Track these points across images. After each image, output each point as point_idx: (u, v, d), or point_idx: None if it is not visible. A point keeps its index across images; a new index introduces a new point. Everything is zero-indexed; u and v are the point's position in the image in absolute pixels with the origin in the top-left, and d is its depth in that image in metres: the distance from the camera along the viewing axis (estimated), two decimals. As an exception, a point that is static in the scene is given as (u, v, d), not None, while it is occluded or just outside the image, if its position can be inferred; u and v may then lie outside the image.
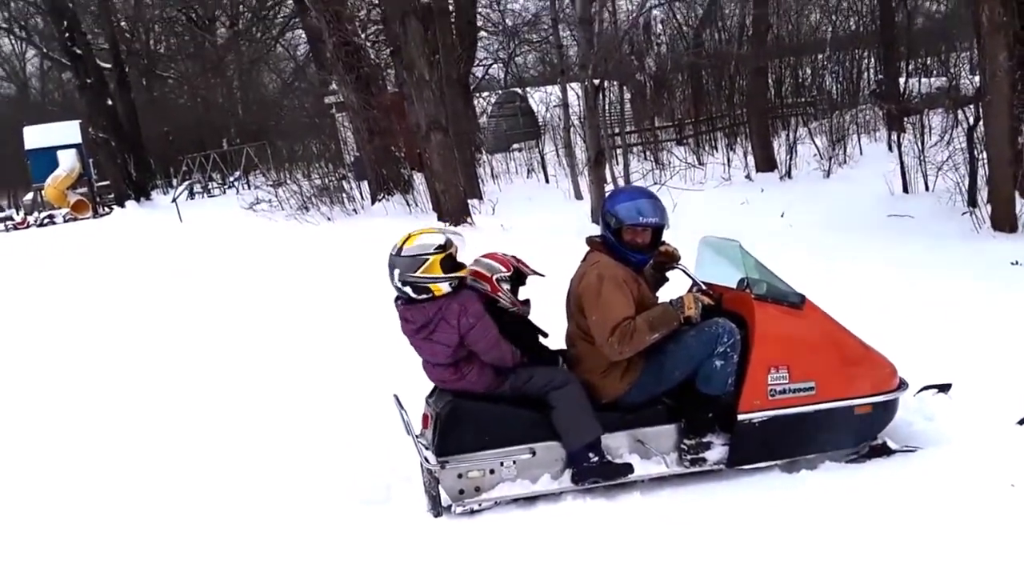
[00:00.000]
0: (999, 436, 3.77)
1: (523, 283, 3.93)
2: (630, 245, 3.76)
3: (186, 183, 25.72)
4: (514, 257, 3.93)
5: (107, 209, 25.12)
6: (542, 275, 3.92)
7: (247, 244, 13.31)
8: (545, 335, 3.95)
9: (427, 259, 3.62)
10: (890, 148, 14.15)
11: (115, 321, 8.72)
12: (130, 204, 24.27)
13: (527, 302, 3.93)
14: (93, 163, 26.26)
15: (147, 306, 9.34)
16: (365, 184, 16.45)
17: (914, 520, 3.15)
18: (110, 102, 25.00)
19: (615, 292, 3.64)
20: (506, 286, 3.84)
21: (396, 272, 3.67)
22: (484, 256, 3.92)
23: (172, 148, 29.48)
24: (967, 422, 3.92)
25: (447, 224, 11.02)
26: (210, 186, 26.87)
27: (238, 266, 11.31)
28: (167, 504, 4.05)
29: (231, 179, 26.93)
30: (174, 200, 20.94)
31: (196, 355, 6.88)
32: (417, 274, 3.62)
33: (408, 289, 3.67)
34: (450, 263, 3.65)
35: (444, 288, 3.65)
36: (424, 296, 3.66)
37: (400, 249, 3.68)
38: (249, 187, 23.82)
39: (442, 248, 3.65)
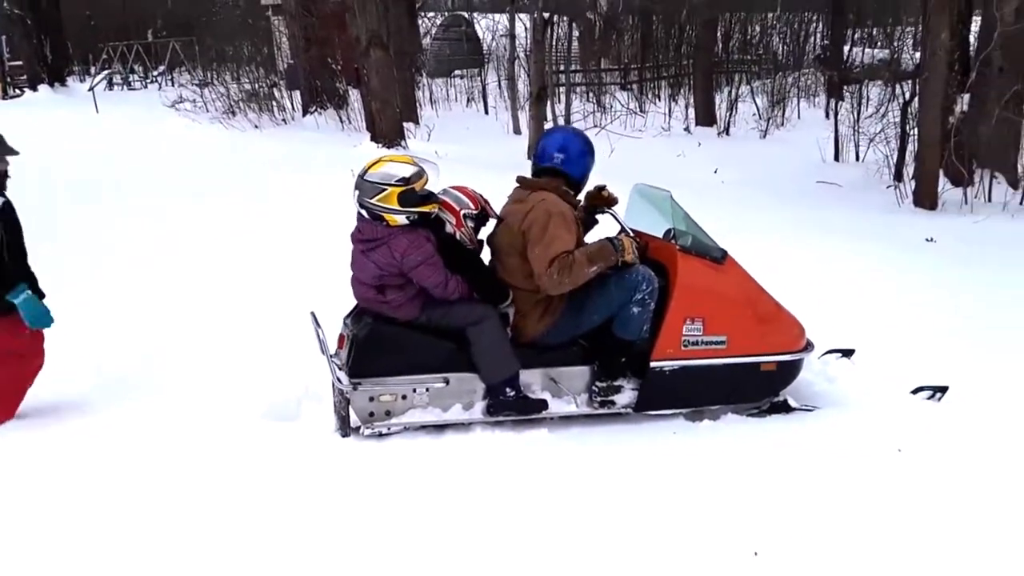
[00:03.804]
0: (893, 403, 3.96)
1: (484, 223, 3.88)
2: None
3: (105, 72, 24.27)
4: (481, 196, 3.87)
5: (18, 91, 23.59)
6: (501, 219, 3.86)
7: (167, 143, 12.68)
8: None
9: (385, 190, 3.55)
10: (827, 115, 14.45)
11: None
12: (43, 88, 22.77)
13: (481, 243, 3.89)
14: (6, 40, 24.50)
15: (55, 196, 8.87)
16: (297, 94, 15.86)
17: (804, 475, 3.29)
18: (27, -25, 23.24)
19: (561, 227, 3.63)
20: (470, 223, 3.79)
21: (357, 193, 3.62)
22: (454, 188, 3.84)
23: (93, 34, 27.73)
24: (865, 387, 4.11)
25: (399, 149, 10.69)
26: (131, 79, 25.45)
27: (156, 165, 10.78)
28: (74, 410, 3.92)
29: (154, 74, 25.62)
30: (91, 89, 19.76)
31: (103, 258, 6.57)
32: (373, 202, 3.56)
33: (364, 212, 3.62)
34: (411, 197, 3.57)
35: (399, 220, 3.59)
36: (379, 223, 3.60)
37: (365, 172, 3.62)
38: (173, 84, 22.75)
39: (404, 181, 3.56)
